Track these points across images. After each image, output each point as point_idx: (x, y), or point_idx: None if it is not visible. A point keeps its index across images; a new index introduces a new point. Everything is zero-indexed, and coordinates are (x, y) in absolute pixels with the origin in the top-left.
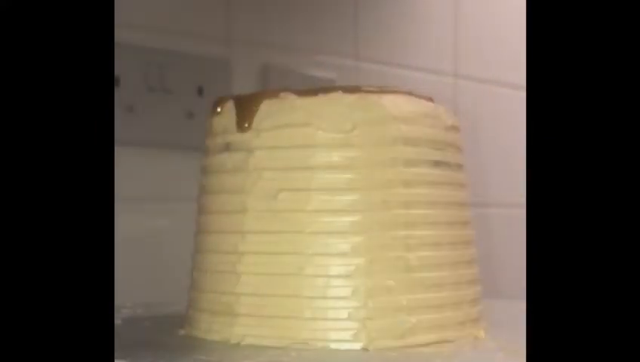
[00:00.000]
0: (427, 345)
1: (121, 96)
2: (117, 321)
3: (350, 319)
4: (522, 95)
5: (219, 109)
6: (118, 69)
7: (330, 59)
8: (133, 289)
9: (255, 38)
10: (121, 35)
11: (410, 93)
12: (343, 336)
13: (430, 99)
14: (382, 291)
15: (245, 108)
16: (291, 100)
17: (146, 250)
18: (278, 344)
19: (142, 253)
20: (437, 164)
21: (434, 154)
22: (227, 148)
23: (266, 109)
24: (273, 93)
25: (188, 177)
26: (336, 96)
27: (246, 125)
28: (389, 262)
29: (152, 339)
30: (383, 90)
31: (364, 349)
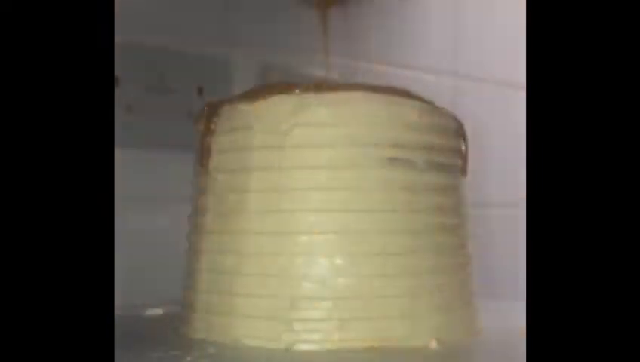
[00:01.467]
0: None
1: (121, 96)
2: (116, 321)
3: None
4: (522, 95)
5: (199, 116)
6: (118, 69)
7: (330, 59)
8: (132, 289)
9: (255, 38)
10: (121, 35)
11: (375, 89)
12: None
13: (406, 94)
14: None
15: (209, 115)
16: (238, 105)
17: (145, 250)
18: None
19: (142, 253)
20: (392, 162)
21: (388, 152)
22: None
23: (225, 115)
24: (230, 100)
25: (188, 177)
26: (275, 100)
27: (203, 162)
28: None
29: (151, 339)
30: (333, 88)
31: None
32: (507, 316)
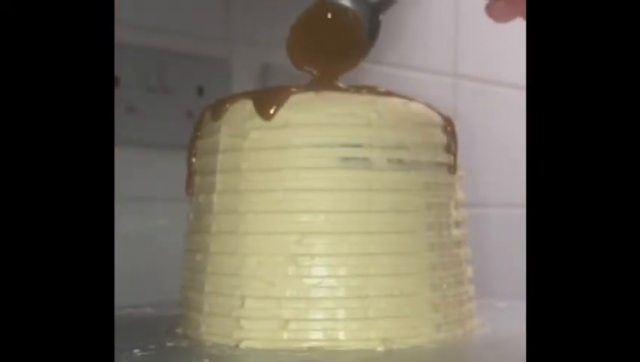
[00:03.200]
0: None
1: (121, 96)
2: (116, 321)
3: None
4: (522, 95)
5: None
6: (118, 69)
7: None
8: (132, 289)
9: (255, 38)
10: (121, 35)
11: (337, 89)
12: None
13: (374, 91)
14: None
15: (198, 121)
16: (207, 114)
17: (145, 250)
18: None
19: (141, 253)
20: (345, 162)
21: (341, 152)
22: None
23: (205, 120)
24: (210, 108)
25: None
26: (239, 104)
27: (189, 167)
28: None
29: (151, 339)
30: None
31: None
32: (507, 316)
